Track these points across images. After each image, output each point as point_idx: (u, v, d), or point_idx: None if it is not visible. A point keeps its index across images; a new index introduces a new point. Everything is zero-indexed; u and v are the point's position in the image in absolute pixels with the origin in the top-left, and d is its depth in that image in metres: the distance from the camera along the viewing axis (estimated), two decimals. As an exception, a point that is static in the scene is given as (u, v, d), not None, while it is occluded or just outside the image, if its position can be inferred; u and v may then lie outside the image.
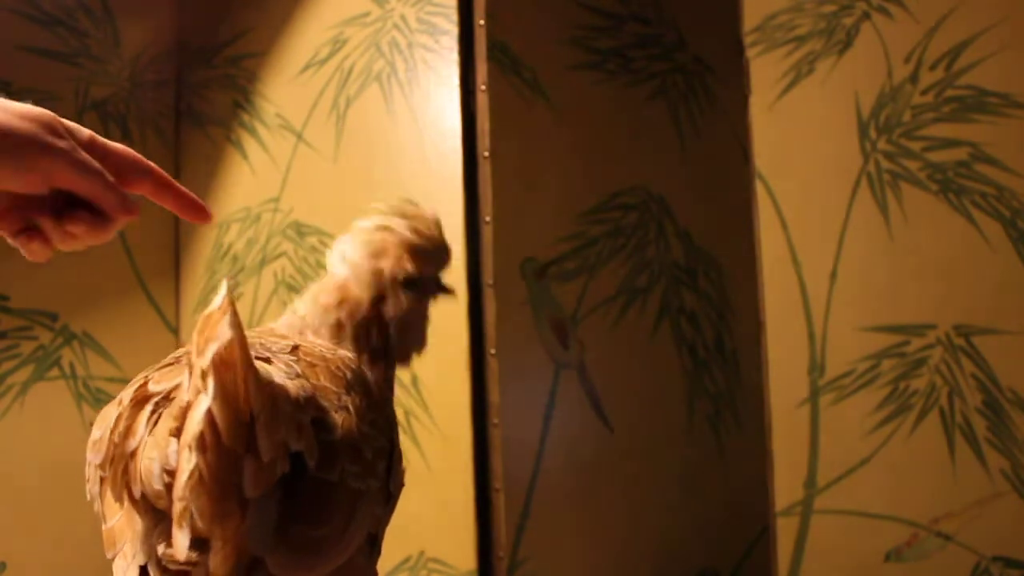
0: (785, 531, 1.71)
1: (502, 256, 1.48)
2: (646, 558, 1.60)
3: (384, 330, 0.92)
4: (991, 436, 1.54)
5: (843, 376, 1.67)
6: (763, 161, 1.78)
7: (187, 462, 0.59)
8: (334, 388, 0.73)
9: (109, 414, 0.68)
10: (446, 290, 0.99)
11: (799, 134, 1.74)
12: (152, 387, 0.67)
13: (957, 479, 1.56)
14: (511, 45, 1.53)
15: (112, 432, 0.66)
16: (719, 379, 1.73)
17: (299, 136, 1.74)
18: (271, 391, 0.64)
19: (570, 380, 1.54)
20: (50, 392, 1.70)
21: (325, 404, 0.71)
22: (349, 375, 0.77)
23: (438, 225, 0.96)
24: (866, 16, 1.68)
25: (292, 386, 0.67)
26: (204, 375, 0.59)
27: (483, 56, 1.50)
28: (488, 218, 1.49)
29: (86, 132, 0.74)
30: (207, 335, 0.59)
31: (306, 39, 1.75)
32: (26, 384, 1.68)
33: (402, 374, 1.56)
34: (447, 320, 1.50)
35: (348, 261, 0.91)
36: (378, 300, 0.91)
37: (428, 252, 0.95)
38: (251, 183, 1.81)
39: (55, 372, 1.71)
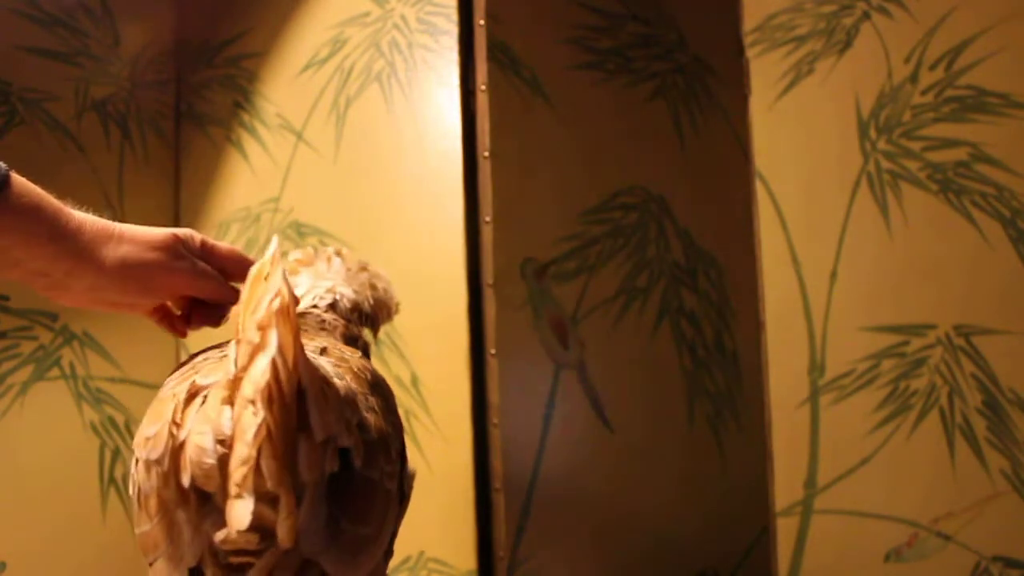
0: (785, 531, 1.71)
1: (502, 256, 1.48)
2: (646, 558, 1.60)
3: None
4: (991, 436, 1.55)
5: (843, 376, 1.67)
6: (763, 161, 1.78)
7: (252, 418, 0.57)
8: (360, 389, 0.73)
9: (163, 410, 0.66)
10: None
11: (799, 134, 1.74)
12: (200, 380, 0.66)
13: (957, 479, 1.56)
14: (511, 45, 1.53)
15: (168, 425, 0.65)
16: (719, 379, 1.73)
17: (299, 136, 1.74)
18: (318, 370, 0.63)
19: (570, 380, 1.54)
20: (50, 392, 1.70)
21: (360, 404, 0.71)
22: (370, 377, 0.78)
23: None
24: (866, 16, 1.68)
25: (340, 385, 0.68)
26: (263, 328, 0.57)
27: (483, 56, 1.50)
28: (488, 218, 1.49)
29: (198, 239, 0.87)
30: (260, 290, 0.58)
31: (306, 39, 1.75)
32: (26, 384, 1.68)
33: (402, 374, 1.56)
34: (447, 320, 1.50)
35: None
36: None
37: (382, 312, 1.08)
38: (251, 183, 1.81)
39: (55, 372, 1.71)
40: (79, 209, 0.82)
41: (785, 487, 1.72)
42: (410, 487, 0.81)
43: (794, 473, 1.71)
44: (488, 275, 1.48)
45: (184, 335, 0.91)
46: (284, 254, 1.05)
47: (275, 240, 0.63)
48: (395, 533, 0.78)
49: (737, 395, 1.75)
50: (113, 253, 0.79)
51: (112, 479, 1.75)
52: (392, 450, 0.74)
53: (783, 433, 1.73)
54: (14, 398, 1.66)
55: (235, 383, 0.60)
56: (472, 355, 1.47)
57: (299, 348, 0.60)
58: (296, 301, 0.61)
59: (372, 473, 0.68)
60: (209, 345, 0.81)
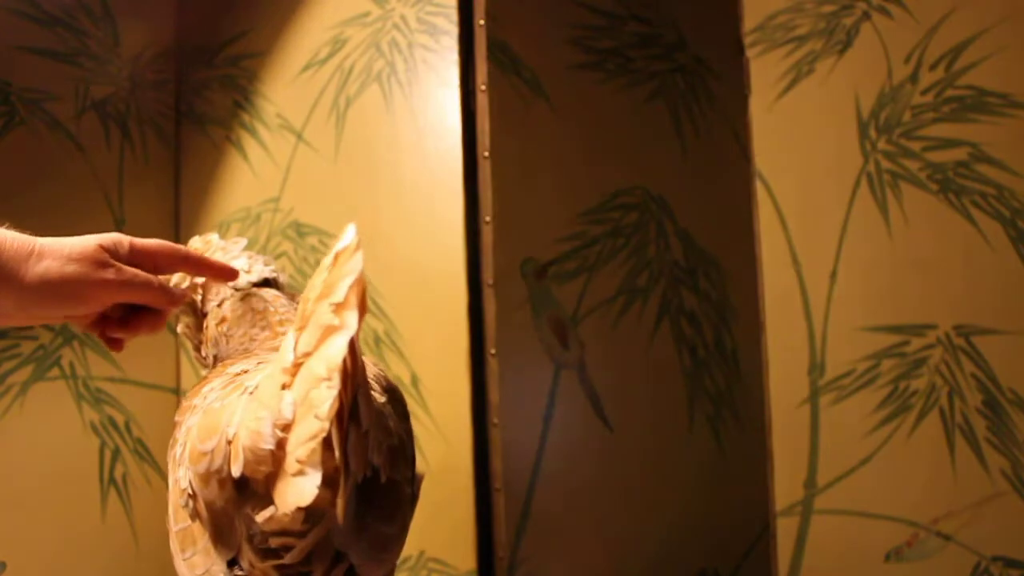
0: (785, 531, 1.71)
1: (502, 256, 1.48)
2: (646, 558, 1.60)
3: None
4: (991, 436, 1.55)
5: (843, 376, 1.67)
6: (763, 161, 1.78)
7: (328, 391, 0.56)
8: (380, 396, 0.74)
9: (217, 423, 0.66)
10: None
11: (799, 134, 1.74)
12: (247, 382, 0.68)
13: (957, 479, 1.56)
14: (511, 45, 1.53)
15: (222, 439, 0.64)
16: (719, 379, 1.73)
17: (299, 136, 1.74)
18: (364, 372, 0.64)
19: (570, 380, 1.54)
20: (50, 392, 1.70)
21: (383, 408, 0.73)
22: (385, 383, 0.79)
23: None
24: (866, 16, 1.68)
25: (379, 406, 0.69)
26: (342, 308, 0.56)
27: (483, 56, 1.51)
28: (488, 218, 1.49)
29: (126, 243, 0.85)
30: (342, 271, 0.58)
31: (306, 39, 1.75)
32: (26, 384, 1.68)
33: (402, 374, 1.56)
34: (447, 320, 1.50)
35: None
36: None
37: None
38: (251, 183, 1.81)
39: (55, 372, 1.71)
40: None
41: (785, 487, 1.72)
42: (418, 489, 0.81)
43: (794, 473, 1.71)
44: (488, 275, 1.48)
45: (119, 349, 0.91)
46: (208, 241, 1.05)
47: (352, 227, 0.61)
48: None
49: (737, 395, 1.75)
50: (33, 270, 0.78)
51: (112, 479, 1.76)
52: (408, 454, 0.75)
53: (783, 433, 1.73)
54: (14, 398, 1.66)
55: (295, 368, 0.59)
56: (472, 355, 1.47)
57: (355, 343, 0.60)
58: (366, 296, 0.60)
59: (395, 475, 0.69)
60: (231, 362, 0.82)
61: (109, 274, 0.81)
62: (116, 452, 1.76)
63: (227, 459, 0.64)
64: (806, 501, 1.70)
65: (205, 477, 0.66)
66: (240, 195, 1.82)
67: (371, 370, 0.78)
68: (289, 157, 1.76)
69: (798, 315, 1.72)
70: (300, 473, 0.58)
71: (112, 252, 0.83)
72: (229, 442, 0.64)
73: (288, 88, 1.77)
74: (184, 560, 0.67)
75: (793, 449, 1.71)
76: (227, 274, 0.96)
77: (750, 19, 1.80)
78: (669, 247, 1.69)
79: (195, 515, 0.68)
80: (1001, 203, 1.56)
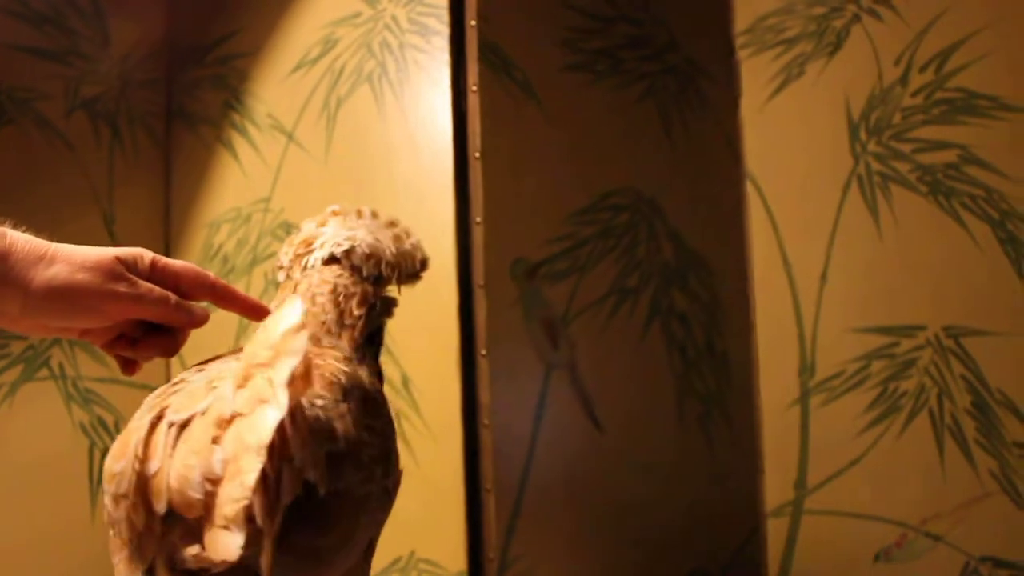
0: (775, 531, 1.72)
1: (492, 256, 1.48)
2: (636, 558, 1.60)
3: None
4: (980, 437, 1.55)
5: (833, 377, 1.68)
6: (754, 162, 1.78)
7: (253, 463, 0.58)
8: (331, 396, 0.73)
9: (128, 444, 0.67)
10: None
11: (789, 136, 1.75)
12: (172, 416, 0.66)
13: (946, 480, 1.57)
14: (502, 46, 1.53)
15: (134, 461, 0.65)
16: (709, 380, 1.73)
17: (290, 136, 1.74)
18: (306, 414, 0.65)
19: (561, 380, 1.54)
20: (39, 392, 1.70)
21: (329, 416, 0.71)
22: (344, 380, 0.77)
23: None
24: (856, 18, 1.69)
25: (311, 417, 0.68)
26: (276, 388, 0.59)
27: (474, 57, 1.50)
28: (479, 218, 1.49)
29: (147, 259, 0.81)
30: (281, 348, 0.60)
31: (297, 39, 1.74)
32: (15, 384, 1.67)
33: (393, 374, 1.56)
34: (438, 321, 1.50)
35: (366, 239, 0.96)
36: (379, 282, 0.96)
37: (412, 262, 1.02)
38: (241, 183, 1.80)
39: (44, 372, 1.71)
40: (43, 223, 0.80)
41: (775, 488, 1.72)
42: (393, 487, 0.81)
43: (784, 474, 1.71)
44: (479, 275, 1.48)
45: (131, 372, 0.85)
46: (335, 212, 1.00)
47: (299, 302, 0.63)
48: (378, 532, 0.78)
49: (727, 396, 1.75)
50: (41, 275, 0.75)
51: (101, 479, 1.75)
52: (363, 456, 0.73)
53: (773, 434, 1.73)
54: (3, 398, 1.65)
55: (229, 423, 0.61)
56: (463, 355, 1.47)
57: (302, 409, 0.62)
58: (309, 369, 0.63)
59: (338, 484, 0.68)
60: (200, 361, 0.81)
61: (121, 287, 0.77)
62: (105, 452, 1.76)
63: (134, 487, 0.65)
64: (796, 502, 1.70)
65: (115, 499, 0.67)
66: (230, 195, 1.82)
67: (329, 368, 0.78)
68: (280, 157, 1.75)
69: (788, 316, 1.72)
70: (227, 528, 0.60)
71: (130, 266, 0.79)
72: (138, 474, 0.65)
73: (279, 88, 1.77)
74: (115, 565, 0.68)
75: (783, 450, 1.72)
76: (256, 311, 0.89)
77: (741, 21, 1.80)
78: (660, 248, 1.69)
79: (111, 526, 0.69)
80: (990, 205, 1.56)
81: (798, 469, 1.70)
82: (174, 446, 0.64)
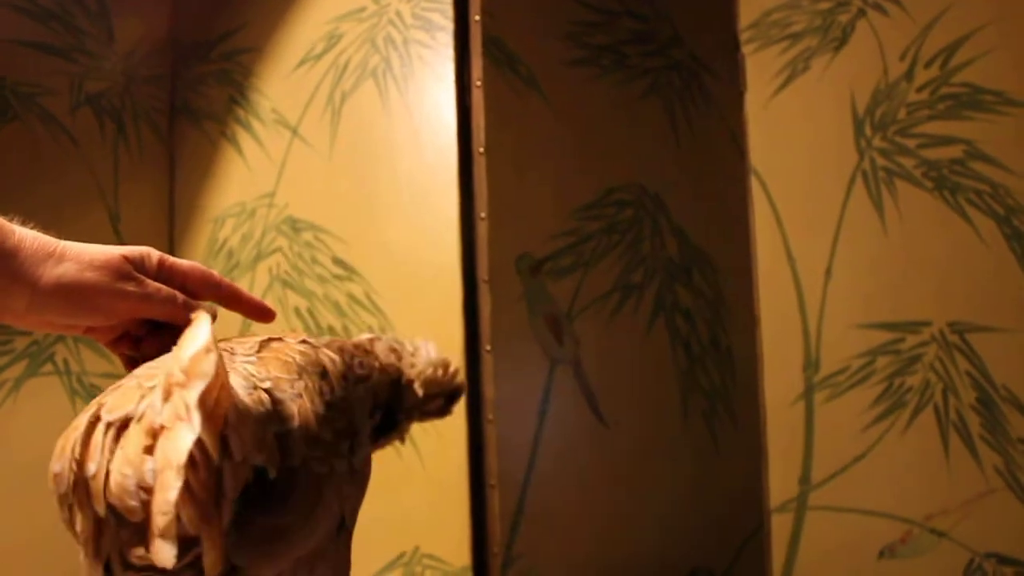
0: (779, 528, 1.72)
1: (497, 252, 1.48)
2: (640, 554, 1.60)
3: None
4: (985, 433, 1.55)
5: (837, 373, 1.67)
6: (758, 158, 1.78)
7: (173, 481, 0.60)
8: (286, 376, 0.74)
9: (66, 445, 0.67)
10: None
11: (794, 131, 1.74)
12: (107, 416, 0.66)
13: (951, 476, 1.57)
14: (507, 41, 1.53)
15: (71, 462, 0.66)
16: (714, 376, 1.73)
17: (294, 131, 1.74)
18: (240, 404, 0.65)
19: (565, 376, 1.54)
20: (44, 388, 1.70)
21: (281, 396, 0.72)
22: (299, 358, 0.78)
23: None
24: (862, 13, 1.68)
25: (251, 400, 0.68)
26: (188, 409, 0.60)
27: (479, 52, 1.50)
28: (483, 214, 1.49)
29: (155, 258, 0.81)
30: (191, 371, 0.60)
31: (301, 34, 1.74)
32: (19, 380, 1.67)
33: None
34: (442, 316, 1.50)
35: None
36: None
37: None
38: (246, 178, 1.80)
39: (49, 368, 1.71)
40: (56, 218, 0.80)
41: (779, 484, 1.72)
42: (360, 462, 0.81)
43: (788, 470, 1.71)
44: (483, 271, 1.48)
45: (131, 369, 0.85)
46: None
47: (206, 323, 0.63)
48: (351, 510, 0.78)
49: (732, 392, 1.75)
50: (50, 272, 0.75)
51: (106, 475, 1.75)
52: (325, 432, 0.74)
53: (778, 430, 1.73)
54: (7, 394, 1.66)
55: (156, 432, 0.62)
56: (467, 351, 1.47)
57: (224, 410, 0.62)
58: (226, 386, 0.63)
59: (292, 461, 0.69)
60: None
61: (130, 286, 0.78)
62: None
63: (73, 489, 0.66)
64: (800, 498, 1.70)
65: (59, 500, 0.68)
66: (235, 190, 1.82)
67: (285, 348, 0.78)
68: (284, 152, 1.75)
69: (793, 312, 1.72)
70: (163, 537, 0.61)
71: (137, 265, 0.79)
72: (76, 475, 0.65)
73: (283, 83, 1.77)
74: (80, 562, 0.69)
75: (787, 446, 1.71)
76: (261, 312, 0.90)
77: (746, 16, 1.80)
78: (664, 244, 1.69)
79: (67, 525, 0.69)
80: (996, 200, 1.56)
81: (802, 465, 1.70)
82: (112, 449, 0.65)
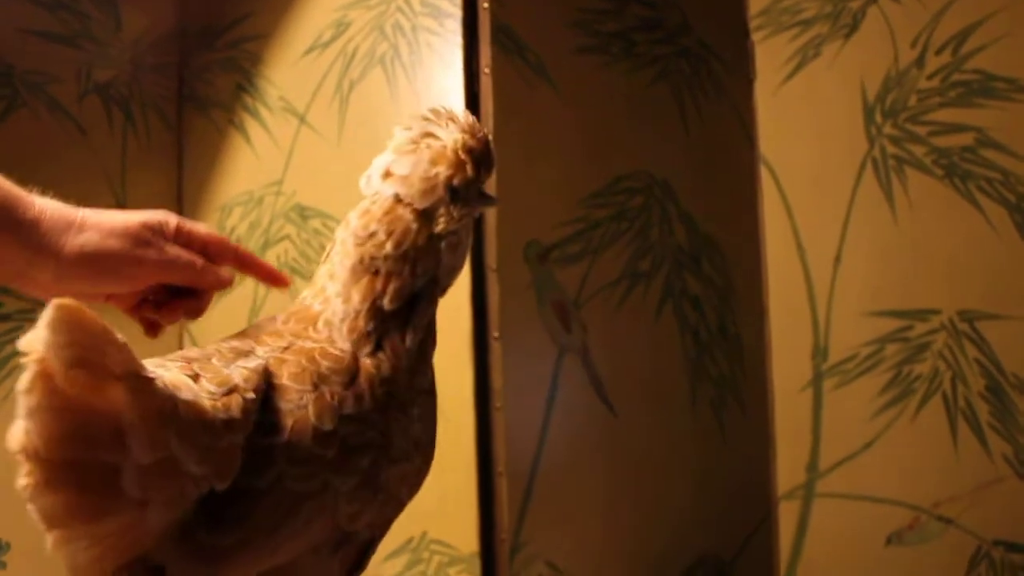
0: (787, 515, 1.72)
1: (505, 240, 1.48)
2: (648, 541, 1.61)
3: (435, 257, 0.87)
4: (993, 421, 1.55)
5: (846, 361, 1.67)
6: (768, 146, 1.78)
7: (21, 468, 0.60)
8: (297, 386, 0.71)
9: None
10: (491, 199, 0.92)
11: (804, 119, 1.74)
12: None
13: (959, 464, 1.56)
14: (515, 28, 1.52)
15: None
16: (722, 363, 1.73)
17: (302, 119, 1.74)
18: (159, 403, 0.62)
19: (573, 364, 1.54)
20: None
21: (277, 406, 0.68)
22: (325, 365, 0.74)
23: (482, 126, 0.89)
24: (872, 0, 1.67)
25: (210, 406, 0.64)
26: (21, 393, 0.61)
27: (487, 39, 1.50)
28: (492, 202, 1.48)
29: (173, 224, 0.82)
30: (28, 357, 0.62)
31: (309, 22, 1.74)
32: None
33: (405, 358, 1.56)
34: (450, 304, 1.50)
35: (397, 175, 0.84)
36: (429, 216, 0.84)
37: (482, 154, 0.88)
38: (254, 166, 1.80)
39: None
40: (72, 194, 0.81)
41: (787, 471, 1.72)
42: (401, 479, 0.78)
43: (796, 457, 1.71)
44: (491, 259, 1.47)
45: (155, 335, 0.86)
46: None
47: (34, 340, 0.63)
48: (354, 529, 0.74)
49: (740, 379, 1.75)
50: (73, 241, 0.77)
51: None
52: (329, 447, 0.70)
53: (786, 417, 1.73)
54: (16, 380, 1.66)
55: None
56: (475, 339, 1.47)
57: (97, 400, 0.61)
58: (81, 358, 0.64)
59: (255, 482, 0.65)
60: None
61: (151, 252, 0.79)
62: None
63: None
64: (808, 485, 1.70)
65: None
66: (243, 178, 1.82)
67: (307, 348, 0.74)
68: (292, 140, 1.75)
69: (802, 299, 1.72)
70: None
71: (156, 231, 0.81)
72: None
73: (291, 71, 1.76)
74: None
75: (795, 433, 1.71)
76: (276, 279, 0.91)
77: (755, 2, 1.79)
78: (672, 231, 1.69)
79: None
80: (1007, 188, 1.55)
81: (811, 452, 1.70)
82: None
